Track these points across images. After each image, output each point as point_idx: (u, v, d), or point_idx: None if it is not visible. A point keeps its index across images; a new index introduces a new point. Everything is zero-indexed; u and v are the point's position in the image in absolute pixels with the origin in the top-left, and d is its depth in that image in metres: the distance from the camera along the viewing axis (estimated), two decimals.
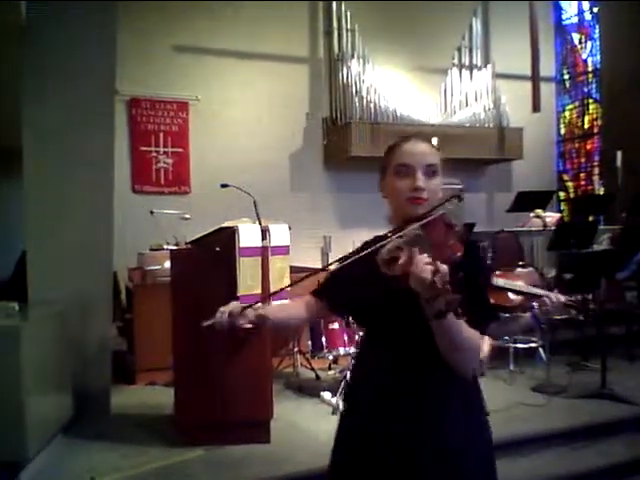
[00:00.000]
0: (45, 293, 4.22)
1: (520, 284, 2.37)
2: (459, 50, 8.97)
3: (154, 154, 7.43)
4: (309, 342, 4.90)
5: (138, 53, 7.03)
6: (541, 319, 2.43)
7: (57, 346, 4.01)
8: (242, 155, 7.63)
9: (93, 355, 4.47)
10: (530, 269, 5.11)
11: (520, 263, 5.20)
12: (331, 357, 5.16)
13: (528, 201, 6.53)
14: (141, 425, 4.17)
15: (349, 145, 7.71)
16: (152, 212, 5.66)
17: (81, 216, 4.42)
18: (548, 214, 6.80)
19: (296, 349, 5.36)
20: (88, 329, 4.43)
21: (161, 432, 3.92)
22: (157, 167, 7.44)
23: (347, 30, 8.21)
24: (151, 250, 5.76)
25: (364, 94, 7.98)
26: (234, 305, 1.66)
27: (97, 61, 4.47)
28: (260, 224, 3.67)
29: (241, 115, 7.77)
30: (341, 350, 4.88)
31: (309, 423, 4.14)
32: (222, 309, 1.64)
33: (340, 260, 1.56)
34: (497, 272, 3.95)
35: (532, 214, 6.69)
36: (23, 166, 4.35)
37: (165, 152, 7.47)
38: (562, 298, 2.53)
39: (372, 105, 7.98)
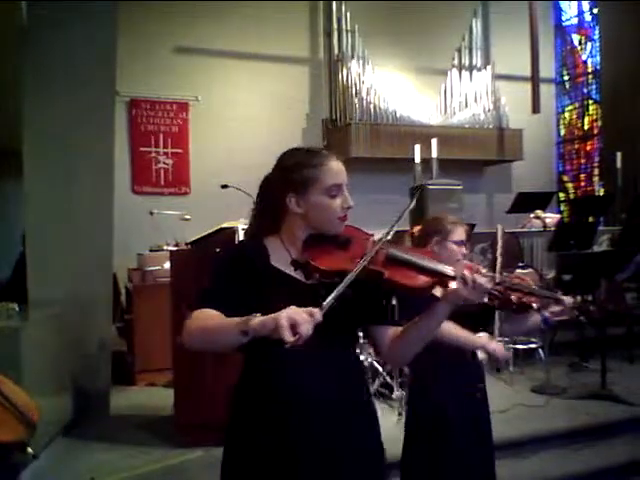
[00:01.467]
0: (45, 294, 4.21)
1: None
2: (459, 51, 8.98)
3: (154, 155, 7.44)
4: None
5: (138, 54, 7.04)
6: (551, 321, 2.41)
7: (57, 347, 4.00)
8: (242, 156, 7.63)
9: (93, 356, 4.47)
10: (530, 270, 5.11)
11: (520, 264, 5.21)
12: None
13: (528, 202, 6.54)
14: (141, 426, 4.17)
15: (349, 146, 7.71)
16: (152, 213, 5.66)
17: (81, 217, 4.42)
18: (548, 215, 6.81)
19: None
20: (88, 330, 4.43)
21: (161, 433, 3.92)
22: (157, 168, 7.44)
23: (347, 31, 8.21)
24: (151, 251, 5.77)
25: (364, 95, 7.98)
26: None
27: (97, 62, 4.47)
28: None
29: (241, 116, 7.77)
30: None
31: None
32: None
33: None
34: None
35: (532, 215, 6.69)
36: (23, 167, 4.35)
37: (165, 153, 7.48)
38: (571, 300, 2.54)
39: (372, 106, 7.98)
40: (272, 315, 1.28)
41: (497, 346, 2.27)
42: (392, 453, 3.79)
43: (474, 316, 2.25)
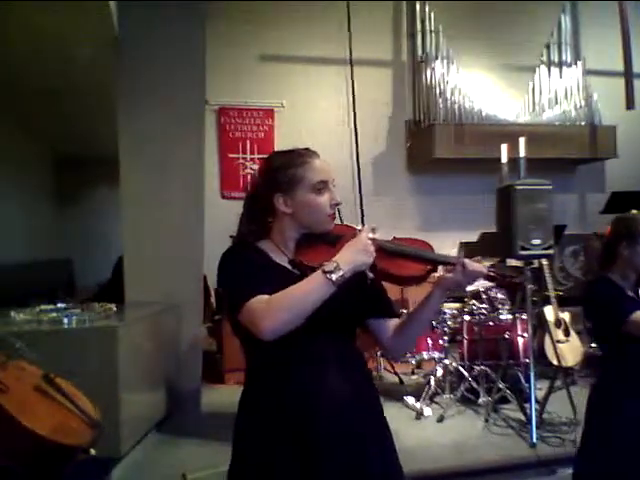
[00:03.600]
0: (140, 295, 4.43)
1: None
2: (548, 47, 8.68)
3: (241, 161, 7.65)
4: None
5: (225, 64, 7.25)
6: None
7: (151, 346, 4.19)
8: (325, 159, 7.66)
9: (185, 355, 4.64)
10: None
11: None
12: (414, 361, 5.14)
13: (623, 202, 6.24)
14: (230, 424, 4.29)
15: (433, 147, 7.61)
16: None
17: (174, 220, 4.62)
18: None
19: (379, 352, 5.36)
20: (180, 330, 4.62)
21: None
22: (244, 173, 7.64)
23: (431, 32, 8.12)
24: None
25: (448, 95, 7.86)
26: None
27: (188, 73, 4.66)
28: None
29: (324, 120, 7.85)
30: (424, 354, 4.85)
31: (392, 427, 4.12)
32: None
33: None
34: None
35: None
36: (120, 174, 4.59)
37: (252, 159, 7.66)
38: None
39: (456, 106, 7.85)
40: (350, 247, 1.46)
41: None
42: (478, 458, 3.74)
43: None
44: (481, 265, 1.55)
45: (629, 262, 2.42)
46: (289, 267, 1.60)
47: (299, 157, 1.65)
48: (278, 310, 1.42)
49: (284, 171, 1.63)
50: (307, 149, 1.70)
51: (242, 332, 1.54)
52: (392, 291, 1.77)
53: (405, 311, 4.58)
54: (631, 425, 2.28)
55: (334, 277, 1.41)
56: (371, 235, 1.51)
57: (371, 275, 1.54)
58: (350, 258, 1.44)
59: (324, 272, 1.42)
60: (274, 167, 1.67)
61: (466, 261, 1.53)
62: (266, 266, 1.58)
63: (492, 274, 1.57)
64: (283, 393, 1.54)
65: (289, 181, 1.61)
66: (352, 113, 7.92)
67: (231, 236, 1.78)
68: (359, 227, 1.59)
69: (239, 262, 1.59)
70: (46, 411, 1.94)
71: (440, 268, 1.61)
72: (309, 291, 1.43)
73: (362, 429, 1.58)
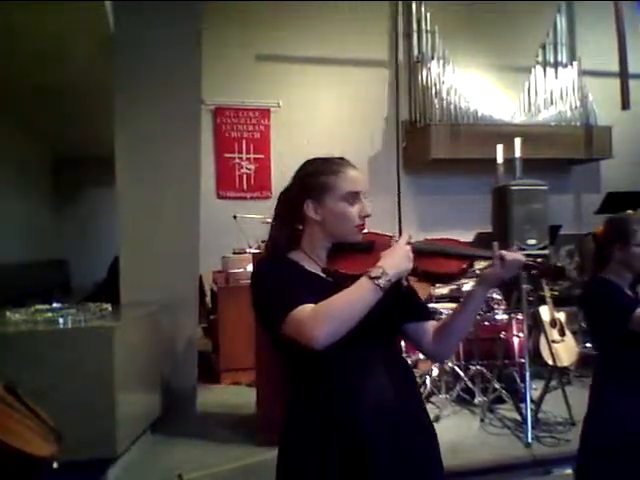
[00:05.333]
0: (136, 295, 4.42)
1: None
2: (543, 47, 8.70)
3: (237, 160, 7.65)
4: None
5: (222, 64, 7.24)
6: None
7: (147, 346, 4.18)
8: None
9: (181, 355, 4.64)
10: None
11: None
12: (410, 361, 5.14)
13: (618, 202, 6.26)
14: (226, 424, 4.30)
15: (428, 147, 7.63)
16: (235, 217, 5.82)
17: (169, 221, 4.61)
18: None
19: None
20: (176, 330, 4.61)
21: (245, 431, 4.02)
22: (240, 173, 7.64)
23: (427, 32, 8.13)
24: (234, 254, 5.94)
25: (444, 95, 7.87)
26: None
27: (185, 73, 4.65)
28: None
29: (321, 120, 7.85)
30: (420, 354, 4.85)
31: None
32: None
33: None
34: None
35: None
36: (116, 173, 4.58)
37: (248, 158, 7.66)
38: None
39: (452, 106, 7.86)
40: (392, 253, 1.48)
41: None
42: (474, 458, 3.74)
43: None
44: (519, 254, 1.53)
45: (623, 263, 2.41)
46: (323, 276, 1.59)
47: (333, 165, 1.63)
48: (327, 318, 1.41)
49: (317, 177, 1.61)
50: (342, 158, 1.68)
51: (284, 345, 1.52)
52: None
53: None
54: (628, 423, 2.28)
55: (382, 282, 1.42)
56: (407, 239, 1.52)
57: (405, 283, 1.54)
58: (394, 263, 1.45)
59: (371, 278, 1.42)
60: (307, 173, 1.64)
61: (503, 252, 1.51)
62: (301, 275, 1.58)
63: (530, 263, 1.56)
64: (327, 402, 1.52)
65: (320, 188, 1.60)
66: (348, 112, 7.93)
67: (263, 241, 1.79)
68: (393, 234, 1.60)
69: (275, 274, 1.57)
70: (13, 422, 1.88)
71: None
72: (357, 298, 1.43)
73: (407, 431, 1.55)
